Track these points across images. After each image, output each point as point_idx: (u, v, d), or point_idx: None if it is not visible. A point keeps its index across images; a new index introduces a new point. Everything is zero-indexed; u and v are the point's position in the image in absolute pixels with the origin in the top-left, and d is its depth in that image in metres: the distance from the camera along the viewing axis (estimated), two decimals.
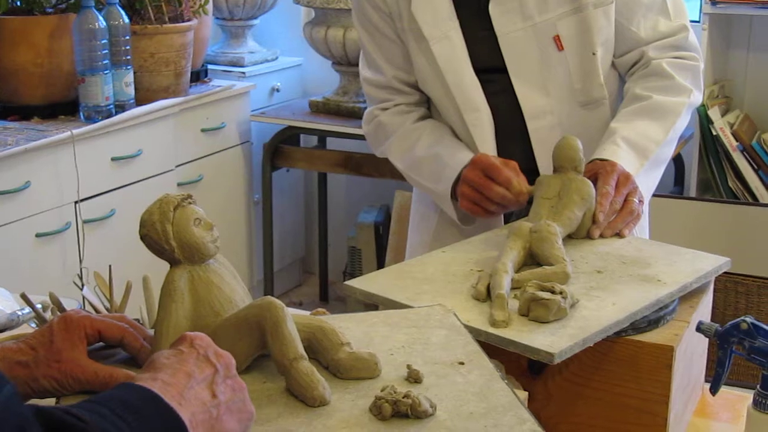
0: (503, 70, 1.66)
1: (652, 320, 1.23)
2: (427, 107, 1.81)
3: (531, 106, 1.67)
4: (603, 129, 1.70)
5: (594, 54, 1.66)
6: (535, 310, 1.18)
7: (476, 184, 1.57)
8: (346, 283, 1.34)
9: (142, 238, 1.03)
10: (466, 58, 1.65)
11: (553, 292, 1.19)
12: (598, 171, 1.54)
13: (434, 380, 1.01)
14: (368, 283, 1.33)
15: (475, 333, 1.14)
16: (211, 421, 0.84)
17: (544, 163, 1.67)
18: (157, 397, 0.80)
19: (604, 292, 1.27)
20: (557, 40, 1.64)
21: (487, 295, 1.24)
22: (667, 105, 1.68)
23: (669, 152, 1.73)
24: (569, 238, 1.45)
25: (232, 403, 0.86)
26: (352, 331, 1.10)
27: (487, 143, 1.67)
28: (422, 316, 1.17)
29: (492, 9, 1.63)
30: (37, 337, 0.98)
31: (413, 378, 1.01)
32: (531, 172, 1.66)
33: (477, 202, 1.58)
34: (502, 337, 1.14)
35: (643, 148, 1.63)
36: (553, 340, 1.13)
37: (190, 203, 1.04)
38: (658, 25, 1.71)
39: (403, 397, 0.94)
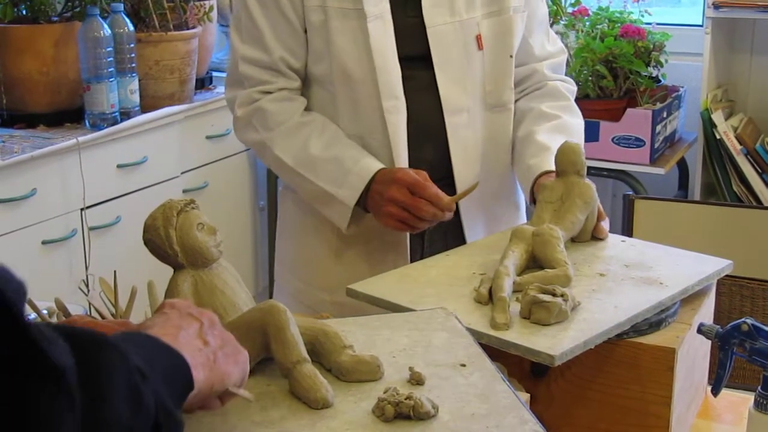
0: (425, 62, 1.65)
1: (653, 322, 1.23)
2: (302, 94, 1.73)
3: (451, 100, 1.66)
4: (506, 135, 1.73)
5: (511, 57, 1.69)
6: (537, 313, 1.19)
7: (405, 204, 1.54)
8: (350, 287, 1.34)
9: (145, 243, 1.04)
10: (393, 43, 1.63)
11: (554, 295, 1.20)
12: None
13: (436, 382, 1.02)
14: (371, 286, 1.34)
15: (477, 335, 1.15)
16: (209, 363, 0.85)
17: (458, 160, 1.67)
18: (156, 338, 0.82)
19: (606, 294, 1.28)
20: (479, 39, 1.66)
21: (489, 298, 1.25)
22: (576, 127, 1.73)
23: None
24: (572, 241, 1.46)
25: (225, 347, 0.88)
26: (355, 334, 1.11)
27: (398, 133, 1.63)
28: (424, 319, 1.17)
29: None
30: None
31: (415, 380, 1.02)
32: (443, 168, 1.67)
33: (405, 221, 1.56)
34: (503, 339, 1.15)
35: None
36: (553, 343, 1.13)
37: (193, 208, 1.05)
38: (545, 44, 1.78)
39: (406, 399, 0.94)
